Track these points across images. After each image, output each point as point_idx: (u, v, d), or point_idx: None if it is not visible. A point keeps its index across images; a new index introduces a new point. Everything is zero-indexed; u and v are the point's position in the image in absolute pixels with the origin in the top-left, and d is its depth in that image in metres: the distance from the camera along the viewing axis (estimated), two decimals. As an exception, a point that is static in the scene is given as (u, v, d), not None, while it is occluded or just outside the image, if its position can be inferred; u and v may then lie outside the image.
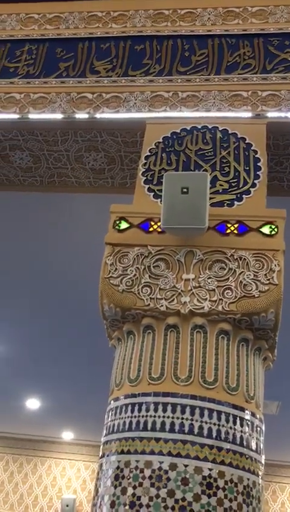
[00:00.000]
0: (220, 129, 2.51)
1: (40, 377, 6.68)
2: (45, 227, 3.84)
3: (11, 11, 3.13)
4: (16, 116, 2.72)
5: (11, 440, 9.79)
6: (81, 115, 2.65)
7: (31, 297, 4.88)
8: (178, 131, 2.52)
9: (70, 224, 3.72)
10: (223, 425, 1.86)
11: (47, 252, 4.13)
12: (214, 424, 1.85)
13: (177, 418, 1.85)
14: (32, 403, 7.73)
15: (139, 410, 1.91)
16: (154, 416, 1.87)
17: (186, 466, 1.77)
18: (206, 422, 1.85)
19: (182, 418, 1.85)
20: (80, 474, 9.52)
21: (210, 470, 1.78)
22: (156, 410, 1.88)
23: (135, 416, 1.90)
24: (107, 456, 1.93)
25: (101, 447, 2.01)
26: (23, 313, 5.20)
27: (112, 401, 2.05)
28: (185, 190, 2.03)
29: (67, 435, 9.29)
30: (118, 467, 1.86)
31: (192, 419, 1.85)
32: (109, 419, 2.02)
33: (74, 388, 6.74)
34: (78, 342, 5.36)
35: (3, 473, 9.65)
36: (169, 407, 1.87)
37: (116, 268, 2.13)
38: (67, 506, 8.98)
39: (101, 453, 2.00)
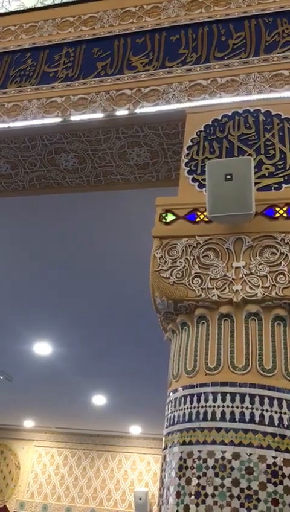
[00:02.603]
0: (262, 111, 2.45)
1: (104, 374, 6.82)
2: (94, 227, 3.90)
3: (47, 17, 3.19)
4: (58, 119, 2.77)
5: (81, 436, 10.08)
6: (122, 112, 2.67)
7: (90, 297, 4.98)
8: (219, 118, 2.49)
9: (119, 221, 3.76)
10: (285, 413, 1.82)
11: (102, 252, 4.20)
12: (276, 412, 1.81)
13: (237, 407, 1.83)
14: (99, 399, 7.91)
15: (198, 400, 1.90)
16: (214, 406, 1.86)
17: (249, 455, 1.75)
18: (267, 411, 1.81)
19: (242, 407, 1.82)
20: (150, 467, 9.64)
21: (274, 458, 1.75)
22: (215, 400, 1.87)
23: (195, 407, 1.90)
24: (170, 447, 1.94)
25: (163, 438, 2.03)
26: (84, 313, 5.32)
27: (170, 393, 2.05)
28: (228, 177, 1.99)
29: (135, 429, 9.43)
30: (181, 458, 1.86)
31: (252, 408, 1.82)
32: (169, 411, 2.02)
33: (137, 383, 6.83)
34: (140, 338, 5.42)
35: (76, 468, 9.94)
36: (228, 397, 1.86)
37: (165, 261, 2.13)
38: (140, 499, 9.11)
39: (163, 445, 2.01)
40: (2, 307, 5.40)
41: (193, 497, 1.77)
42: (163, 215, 2.24)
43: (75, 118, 2.74)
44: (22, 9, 3.33)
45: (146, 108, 2.64)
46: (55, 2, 3.30)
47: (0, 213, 3.84)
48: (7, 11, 3.37)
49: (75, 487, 9.72)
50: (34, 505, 9.73)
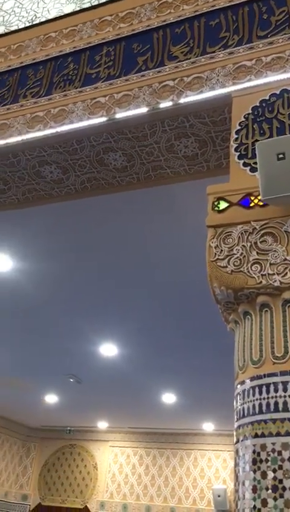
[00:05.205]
0: (312, 85, 2.33)
1: (172, 371, 6.80)
2: (150, 223, 3.89)
3: (85, 20, 3.21)
4: (104, 119, 2.77)
5: (154, 435, 10.11)
6: (166, 104, 2.63)
7: (153, 295, 4.98)
8: (267, 97, 2.39)
9: (175, 216, 3.73)
10: None
11: (162, 250, 4.18)
12: None
13: (309, 395, 1.74)
14: (168, 397, 7.89)
15: (268, 391, 1.83)
16: (284, 396, 1.78)
17: None
18: None
19: (315, 396, 1.74)
20: (227, 464, 9.51)
21: None
22: (285, 389, 1.79)
23: (264, 398, 1.83)
24: (242, 441, 1.88)
25: (235, 432, 1.97)
26: (149, 311, 5.32)
27: (238, 386, 1.99)
28: (281, 156, 1.90)
29: (208, 426, 9.34)
30: (254, 451, 1.80)
31: None
32: (238, 403, 1.96)
33: (207, 379, 6.76)
34: (206, 332, 5.34)
35: (153, 467, 9.99)
36: (299, 385, 1.77)
37: (221, 250, 2.07)
38: (219, 496, 9.02)
39: (235, 439, 1.95)
40: (69, 309, 5.50)
41: (269, 491, 1.70)
42: (215, 203, 2.18)
43: (120, 115, 2.73)
44: (60, 15, 3.37)
45: (190, 97, 2.58)
46: (93, 4, 3.31)
47: (60, 218, 3.91)
48: (47, 19, 3.42)
49: (153, 486, 9.77)
50: (114, 504, 9.87)
